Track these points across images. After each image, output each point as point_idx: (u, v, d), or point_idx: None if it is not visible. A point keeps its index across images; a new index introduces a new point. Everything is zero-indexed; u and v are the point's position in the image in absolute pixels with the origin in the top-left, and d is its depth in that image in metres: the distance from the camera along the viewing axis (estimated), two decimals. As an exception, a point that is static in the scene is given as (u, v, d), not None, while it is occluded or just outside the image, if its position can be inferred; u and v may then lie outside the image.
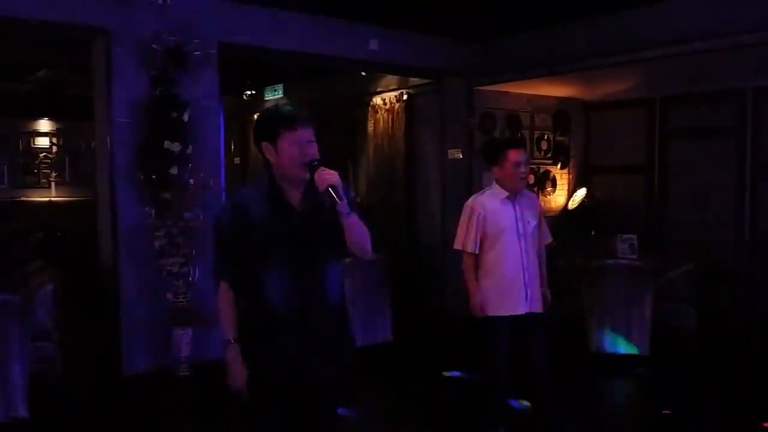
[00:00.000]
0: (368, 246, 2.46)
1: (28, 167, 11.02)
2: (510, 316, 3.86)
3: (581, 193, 8.09)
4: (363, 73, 8.29)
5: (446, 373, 5.34)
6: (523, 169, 3.89)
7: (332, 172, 2.36)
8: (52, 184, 11.20)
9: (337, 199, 2.31)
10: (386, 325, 5.99)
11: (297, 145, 2.40)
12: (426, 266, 7.76)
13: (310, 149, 2.41)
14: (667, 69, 6.29)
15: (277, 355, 2.44)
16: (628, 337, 5.51)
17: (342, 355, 2.58)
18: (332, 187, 2.31)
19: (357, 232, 2.39)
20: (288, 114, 2.49)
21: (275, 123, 2.45)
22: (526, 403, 4.30)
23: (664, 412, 4.58)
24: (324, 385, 2.55)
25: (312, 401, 2.57)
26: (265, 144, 2.45)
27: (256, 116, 2.58)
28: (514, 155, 3.88)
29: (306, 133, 2.43)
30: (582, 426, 4.42)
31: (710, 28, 5.27)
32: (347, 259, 5.70)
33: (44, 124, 11.21)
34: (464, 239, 3.96)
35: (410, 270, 7.74)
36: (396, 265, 6.24)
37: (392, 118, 8.17)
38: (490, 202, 3.93)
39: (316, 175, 2.35)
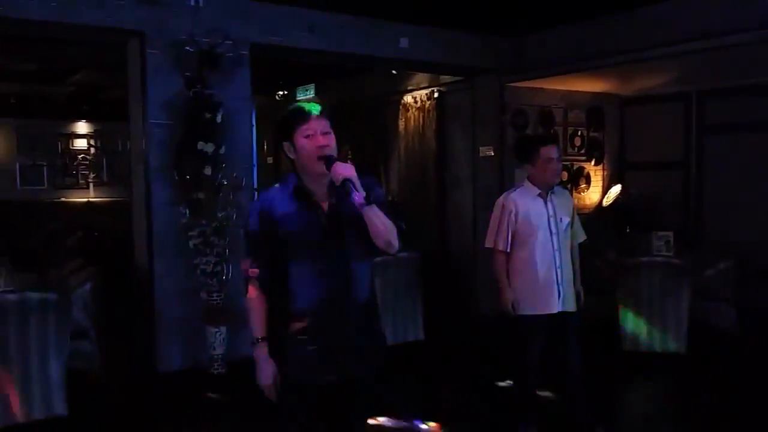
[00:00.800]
0: (393, 239, 2.41)
1: (66, 168, 11.25)
2: (543, 315, 3.82)
3: (616, 189, 7.98)
4: (394, 72, 8.28)
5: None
6: (555, 165, 3.84)
7: (347, 165, 2.36)
8: (90, 184, 11.42)
9: (351, 192, 2.29)
10: (417, 324, 5.97)
11: (311, 137, 2.40)
12: (457, 264, 7.73)
13: (325, 140, 2.41)
14: (704, 63, 6.17)
15: (305, 353, 2.44)
16: (665, 336, 5.42)
17: (372, 353, 2.56)
18: (347, 180, 2.31)
19: (378, 225, 2.36)
20: (299, 109, 2.50)
21: (289, 120, 2.47)
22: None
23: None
24: (354, 384, 2.54)
25: (342, 400, 2.57)
26: (285, 144, 2.48)
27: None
28: (546, 151, 3.83)
29: (319, 125, 2.43)
30: (615, 426, 4.36)
31: (748, 20, 5.15)
32: (378, 258, 5.71)
33: (82, 126, 11.43)
34: (495, 237, 3.93)
35: (441, 268, 7.72)
36: (427, 264, 6.22)
37: (423, 117, 8.15)
38: (521, 200, 3.89)
39: (331, 170, 2.35)
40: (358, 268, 2.48)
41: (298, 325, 2.45)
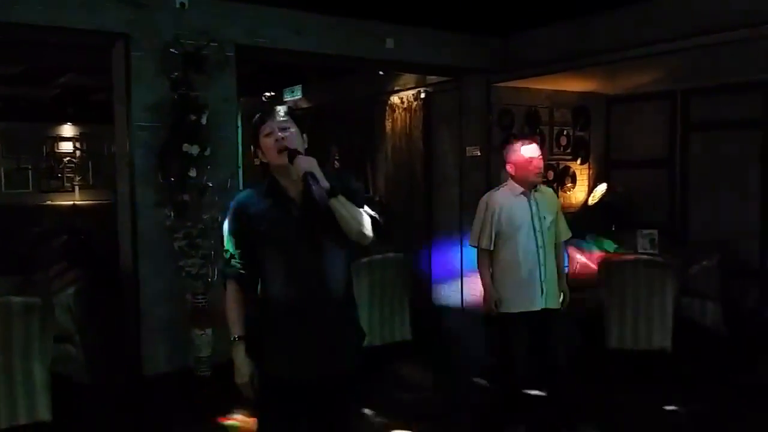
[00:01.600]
0: (365, 229, 2.43)
1: (52, 171, 11.18)
2: (526, 312, 3.84)
3: (602, 188, 8.01)
4: (380, 73, 8.29)
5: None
6: (536, 163, 3.86)
7: (309, 158, 2.41)
8: (76, 187, 11.35)
9: (311, 185, 2.32)
10: (405, 324, 5.97)
11: (270, 134, 2.48)
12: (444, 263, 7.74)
13: (282, 134, 2.47)
14: (689, 61, 6.21)
15: (281, 349, 2.46)
16: (650, 333, 5.45)
17: (349, 349, 2.57)
18: (307, 173, 2.35)
19: (345, 215, 2.38)
20: (259, 112, 2.57)
21: (254, 126, 2.56)
22: None
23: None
24: (331, 380, 2.54)
25: (321, 396, 2.56)
26: (257, 151, 2.56)
27: None
28: (526, 150, 3.87)
29: (276, 122, 2.50)
30: (601, 423, 4.38)
31: (733, 19, 5.19)
32: (364, 258, 5.70)
33: (68, 129, 11.36)
34: (479, 236, 3.95)
35: (428, 267, 7.73)
36: (414, 263, 6.23)
37: (410, 117, 8.16)
38: (504, 198, 3.91)
39: (294, 163, 2.40)
40: (332, 263, 2.49)
41: (274, 321, 2.46)
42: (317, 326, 2.46)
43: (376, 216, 2.50)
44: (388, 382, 5.28)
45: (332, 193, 2.35)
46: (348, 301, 2.58)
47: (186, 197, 5.13)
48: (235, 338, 2.51)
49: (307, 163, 2.38)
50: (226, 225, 2.58)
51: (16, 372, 4.07)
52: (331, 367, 2.51)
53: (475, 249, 4.00)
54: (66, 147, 11.32)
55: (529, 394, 4.03)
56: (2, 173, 10.79)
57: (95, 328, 5.22)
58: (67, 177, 11.29)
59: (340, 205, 2.38)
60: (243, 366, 2.49)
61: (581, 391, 4.25)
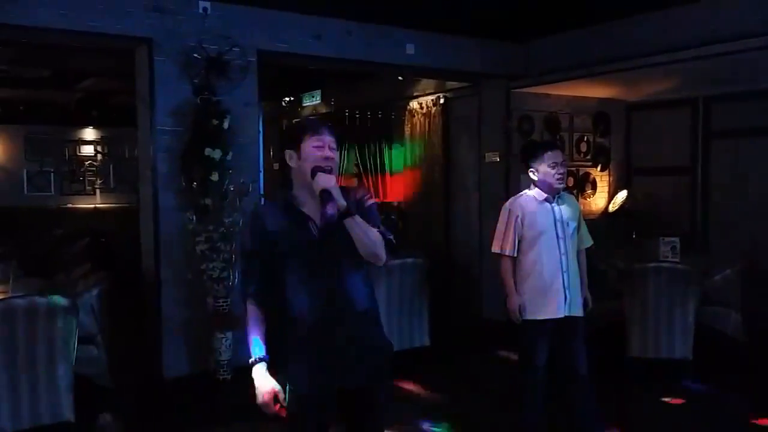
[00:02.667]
0: (379, 251, 2.44)
1: (73, 175, 11.30)
2: (549, 319, 3.82)
3: (622, 195, 7.97)
4: (400, 78, 8.30)
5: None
6: (560, 170, 3.85)
7: (329, 176, 2.39)
8: (97, 190, 11.47)
9: (326, 203, 2.33)
10: (423, 330, 5.96)
11: (320, 147, 2.44)
12: (463, 270, 7.73)
13: (332, 154, 2.46)
14: (711, 68, 6.16)
15: (304, 365, 2.44)
16: (671, 342, 5.40)
17: (374, 363, 2.54)
18: (324, 191, 2.35)
19: (360, 235, 2.39)
20: (314, 120, 2.57)
21: (301, 128, 2.53)
22: None
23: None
24: (359, 394, 2.52)
25: (350, 410, 2.55)
26: (288, 152, 2.50)
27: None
28: (550, 156, 3.85)
29: (330, 140, 2.48)
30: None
31: (755, 26, 5.15)
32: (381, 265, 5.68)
33: (89, 133, 11.48)
34: (502, 242, 3.93)
35: (447, 274, 7.72)
36: (433, 269, 6.22)
37: (429, 122, 8.18)
38: (528, 205, 3.90)
39: (314, 180, 2.39)
40: (353, 280, 2.48)
41: (296, 337, 2.45)
42: (339, 342, 2.44)
43: (391, 237, 2.51)
44: (404, 389, 5.28)
45: (347, 213, 2.36)
46: (372, 316, 2.57)
47: (208, 201, 5.16)
48: (256, 359, 2.46)
49: (326, 181, 2.37)
50: (245, 243, 2.56)
51: (40, 372, 4.11)
52: (354, 382, 2.48)
53: (498, 255, 3.97)
54: (88, 150, 11.44)
55: (550, 402, 4.00)
56: (25, 176, 10.93)
57: (117, 330, 5.26)
58: (88, 180, 11.41)
59: (356, 225, 2.38)
60: (264, 385, 2.44)
61: (602, 399, 4.21)
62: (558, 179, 3.85)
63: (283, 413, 2.45)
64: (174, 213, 5.27)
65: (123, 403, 4.98)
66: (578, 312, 3.87)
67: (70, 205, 11.21)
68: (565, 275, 3.81)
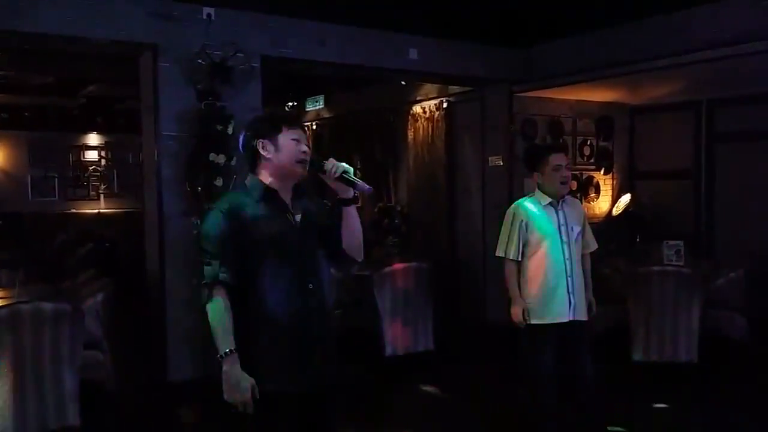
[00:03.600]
0: (361, 245, 2.56)
1: (77, 180, 11.34)
2: (554, 324, 3.82)
3: (626, 198, 7.97)
4: (403, 83, 8.32)
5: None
6: (564, 173, 3.85)
7: (340, 163, 2.46)
8: (101, 196, 11.50)
9: (355, 181, 2.41)
10: (428, 334, 5.97)
11: (297, 141, 2.47)
12: (466, 274, 7.73)
13: (306, 148, 2.50)
14: (714, 71, 6.17)
15: (280, 362, 2.39)
16: (676, 345, 5.39)
17: (334, 361, 2.56)
18: (346, 172, 2.41)
19: (356, 226, 2.50)
20: (290, 113, 2.60)
21: (276, 120, 2.53)
22: None
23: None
24: (325, 391, 2.53)
25: (315, 409, 2.53)
26: (261, 141, 2.47)
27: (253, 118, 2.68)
28: (554, 159, 3.86)
29: (303, 134, 2.53)
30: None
31: (758, 29, 5.15)
32: (386, 268, 5.71)
33: (93, 138, 11.52)
34: (506, 246, 3.93)
35: (451, 278, 7.72)
36: (437, 273, 6.23)
37: (432, 127, 8.18)
38: (532, 209, 3.90)
39: (328, 164, 2.43)
40: (323, 274, 2.54)
41: (269, 333, 2.38)
42: (317, 337, 2.45)
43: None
44: (410, 393, 5.29)
45: (354, 199, 2.47)
46: (331, 313, 2.67)
47: (212, 206, 5.16)
48: (226, 352, 2.32)
49: (341, 164, 2.43)
50: (211, 229, 2.40)
51: (46, 377, 4.13)
52: (326, 379, 2.50)
53: (502, 259, 3.98)
54: (91, 156, 11.47)
55: (555, 405, 4.00)
56: (29, 181, 10.96)
57: (122, 335, 5.27)
58: (92, 186, 11.45)
59: (355, 213, 2.48)
60: (243, 380, 2.31)
61: (607, 403, 4.21)
62: (562, 183, 3.85)
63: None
64: (179, 218, 5.27)
65: (128, 408, 4.99)
66: (583, 316, 3.88)
67: (74, 211, 11.24)
68: (570, 279, 3.81)
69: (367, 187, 2.44)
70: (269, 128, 2.49)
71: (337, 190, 2.47)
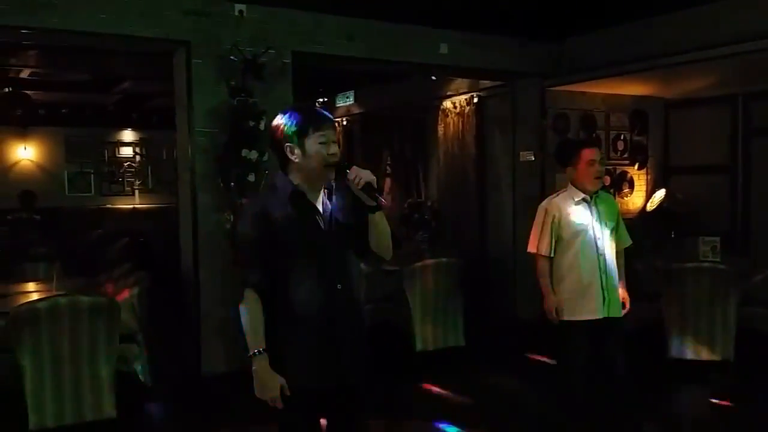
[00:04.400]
0: (391, 244, 2.53)
1: (113, 176, 11.54)
2: (587, 320, 3.78)
3: (660, 194, 7.85)
4: (433, 78, 8.30)
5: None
6: (597, 167, 3.81)
7: (365, 171, 2.38)
8: (136, 191, 11.70)
9: (377, 194, 2.37)
10: (458, 329, 5.95)
11: (325, 144, 2.41)
12: (496, 269, 7.69)
13: (335, 149, 2.44)
14: (750, 65, 6.04)
15: (308, 359, 2.42)
16: (712, 343, 5.31)
17: (365, 357, 2.56)
18: (369, 184, 2.35)
19: (384, 228, 2.47)
20: (315, 112, 2.50)
21: (302, 123, 2.43)
22: None
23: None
24: (352, 388, 2.52)
25: (342, 405, 2.54)
26: (289, 146, 2.43)
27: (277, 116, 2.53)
28: (587, 154, 3.81)
29: (333, 133, 2.46)
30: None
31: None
32: (418, 263, 5.70)
33: (128, 135, 11.72)
34: (538, 242, 3.90)
35: (481, 273, 7.69)
36: (468, 269, 6.20)
37: (462, 122, 8.15)
38: (565, 204, 3.86)
39: (351, 173, 2.37)
40: (352, 273, 2.52)
41: (298, 332, 2.41)
42: (344, 335, 2.45)
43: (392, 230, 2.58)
44: (440, 389, 5.29)
45: (380, 206, 2.41)
46: (362, 310, 2.62)
47: (245, 202, 5.22)
48: (258, 351, 2.39)
49: (368, 175, 2.37)
50: (244, 230, 2.47)
51: (83, 370, 4.21)
52: (354, 376, 2.50)
53: (534, 255, 3.95)
54: (126, 152, 11.68)
55: (587, 403, 3.96)
56: (66, 177, 11.18)
57: (157, 328, 5.35)
58: (127, 181, 11.64)
59: (381, 218, 2.44)
60: (272, 379, 2.38)
61: (641, 401, 4.17)
62: (596, 178, 3.81)
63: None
64: (212, 213, 5.34)
65: (163, 400, 5.07)
66: (617, 313, 3.83)
67: (109, 206, 11.46)
68: (603, 276, 3.77)
69: (383, 201, 2.39)
70: (296, 132, 2.42)
71: (360, 197, 2.43)
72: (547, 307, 3.85)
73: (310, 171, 2.42)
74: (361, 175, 2.35)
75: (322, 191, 2.49)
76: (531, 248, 3.95)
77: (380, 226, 2.46)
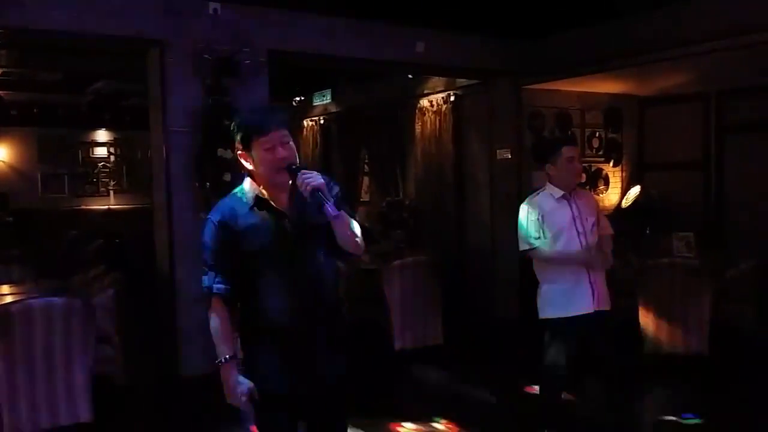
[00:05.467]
0: (361, 241, 2.44)
1: (87, 176, 11.39)
2: (576, 316, 3.79)
3: (635, 190, 7.93)
4: (410, 76, 8.30)
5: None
6: (576, 165, 3.84)
7: (313, 173, 2.31)
8: (111, 192, 11.56)
9: (324, 203, 2.25)
10: (436, 327, 5.96)
11: (271, 149, 2.33)
12: (474, 268, 7.72)
13: (285, 151, 2.34)
14: (722, 62, 6.12)
15: (277, 366, 2.40)
16: (687, 338, 5.37)
17: (340, 360, 2.51)
18: (316, 190, 2.26)
19: (347, 230, 2.37)
20: (257, 118, 2.41)
21: (246, 131, 2.37)
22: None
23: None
24: (327, 392, 2.49)
25: (318, 409, 2.52)
26: (241, 154, 2.39)
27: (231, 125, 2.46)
28: (567, 151, 3.84)
29: (278, 135, 2.34)
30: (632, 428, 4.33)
31: (766, 18, 5.11)
32: (396, 261, 5.70)
33: (102, 135, 11.57)
34: (526, 238, 3.88)
35: (460, 272, 7.71)
36: (445, 267, 6.22)
37: (439, 120, 8.16)
38: (546, 203, 3.87)
39: (297, 180, 2.29)
40: (325, 275, 2.45)
41: (268, 338, 2.39)
42: (313, 341, 2.41)
43: (364, 224, 2.51)
44: (418, 387, 5.29)
45: (338, 209, 2.31)
46: (339, 311, 2.54)
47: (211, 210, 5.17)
48: (225, 358, 2.39)
49: (316, 180, 2.28)
50: (206, 240, 2.41)
51: (57, 373, 4.15)
52: (325, 381, 2.46)
53: (527, 251, 3.91)
54: (101, 152, 11.54)
55: (571, 398, 3.99)
56: (39, 178, 11.02)
57: (133, 330, 5.29)
58: (101, 182, 11.50)
59: (344, 221, 2.35)
60: (238, 385, 2.37)
61: (617, 396, 4.21)
62: (575, 175, 3.84)
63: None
64: (188, 213, 5.29)
65: (140, 403, 5.02)
66: (606, 306, 3.86)
67: (83, 207, 11.31)
68: (590, 269, 3.80)
69: (333, 212, 2.26)
70: (242, 140, 2.37)
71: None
72: (586, 261, 3.79)
73: (265, 177, 2.37)
74: (307, 181, 2.27)
75: (286, 192, 2.41)
76: (522, 246, 3.91)
77: (341, 228, 2.35)
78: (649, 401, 4.93)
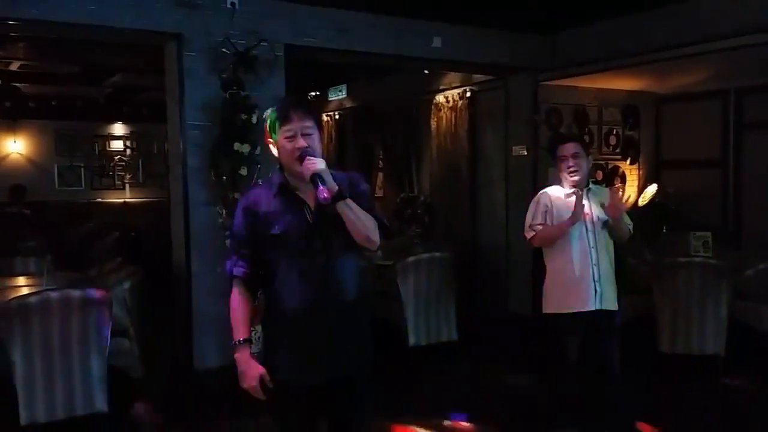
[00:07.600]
0: (372, 234, 2.40)
1: (103, 170, 11.47)
2: (579, 313, 3.77)
3: (652, 189, 7.87)
4: (426, 72, 8.28)
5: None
6: (568, 163, 3.81)
7: (317, 159, 2.32)
8: (127, 185, 11.63)
9: (317, 186, 2.27)
10: (450, 324, 5.95)
11: (291, 138, 2.38)
12: (489, 264, 7.70)
13: (305, 142, 2.37)
14: (742, 59, 6.05)
15: (291, 353, 2.43)
16: (703, 337, 5.32)
17: (360, 353, 2.52)
18: (315, 174, 2.29)
19: (353, 219, 2.36)
20: (282, 108, 2.44)
21: (274, 119, 2.43)
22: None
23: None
24: (344, 384, 2.49)
25: (336, 400, 2.53)
26: (269, 143, 2.47)
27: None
28: (560, 150, 3.85)
29: (301, 125, 2.39)
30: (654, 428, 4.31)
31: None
32: (410, 258, 5.69)
33: (118, 128, 11.63)
34: (530, 222, 3.90)
35: (474, 268, 7.70)
36: (460, 263, 6.20)
37: (455, 116, 8.14)
38: (556, 197, 3.88)
39: (303, 165, 2.33)
40: (344, 267, 2.46)
41: (283, 325, 2.43)
42: (327, 331, 2.41)
43: (384, 220, 2.50)
44: (432, 383, 5.29)
45: (340, 196, 2.32)
46: (362, 305, 2.54)
47: (237, 195, 5.18)
48: (239, 341, 2.46)
49: (314, 165, 2.31)
50: (234, 225, 2.51)
51: (74, 364, 4.19)
52: (340, 371, 2.46)
53: (530, 237, 3.92)
54: (117, 145, 11.60)
55: (578, 396, 3.97)
56: (56, 171, 11.10)
57: (149, 322, 5.32)
58: (118, 175, 11.57)
59: (348, 208, 2.34)
60: (250, 369, 2.41)
61: (632, 394, 4.18)
62: (569, 172, 3.82)
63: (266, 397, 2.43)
64: (204, 207, 5.31)
65: (155, 394, 5.05)
66: (611, 306, 3.83)
67: (100, 200, 11.39)
68: (595, 268, 3.77)
69: (323, 196, 2.26)
70: (270, 128, 2.44)
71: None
72: (575, 217, 3.73)
73: (287, 166, 2.43)
74: (308, 165, 2.31)
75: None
76: (526, 233, 3.93)
77: (346, 217, 2.35)
78: (663, 400, 4.89)
